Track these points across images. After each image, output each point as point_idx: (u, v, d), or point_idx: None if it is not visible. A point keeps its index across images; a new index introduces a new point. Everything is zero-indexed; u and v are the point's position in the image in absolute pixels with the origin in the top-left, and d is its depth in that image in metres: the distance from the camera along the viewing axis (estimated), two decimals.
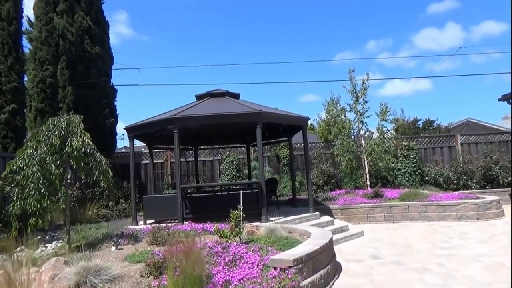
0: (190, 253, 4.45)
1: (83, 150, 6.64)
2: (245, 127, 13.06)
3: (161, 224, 9.66)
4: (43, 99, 15.26)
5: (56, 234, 9.39)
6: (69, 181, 7.44)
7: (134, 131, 10.84)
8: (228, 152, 18.10)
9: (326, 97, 45.85)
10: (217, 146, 18.54)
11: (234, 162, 17.75)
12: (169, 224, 9.18)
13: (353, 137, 16.71)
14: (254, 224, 8.74)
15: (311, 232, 7.45)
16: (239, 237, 6.46)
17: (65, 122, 6.69)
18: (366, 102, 16.13)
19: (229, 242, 6.23)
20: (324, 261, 6.02)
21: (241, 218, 6.49)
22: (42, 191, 6.16)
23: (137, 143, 12.99)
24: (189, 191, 13.06)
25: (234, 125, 13.64)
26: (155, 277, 4.81)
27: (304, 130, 11.62)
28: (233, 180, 16.65)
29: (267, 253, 5.86)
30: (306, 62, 76.31)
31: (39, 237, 8.92)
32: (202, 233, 7.62)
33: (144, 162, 18.06)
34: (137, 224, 10.60)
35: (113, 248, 6.53)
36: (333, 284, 5.98)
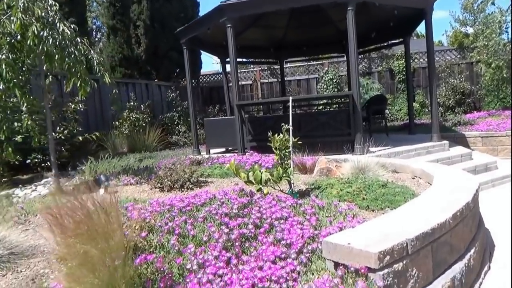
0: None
1: (55, 41, 4.26)
2: (342, 27, 9.40)
3: (218, 154, 7.33)
4: (113, 15, 13.64)
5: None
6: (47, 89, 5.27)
7: (186, 34, 8.24)
8: (326, 68, 14.63)
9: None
10: (314, 62, 15.14)
11: (335, 80, 14.32)
12: (215, 155, 6.74)
13: (505, 36, 11.59)
14: (340, 157, 5.69)
15: (433, 175, 4.14)
16: (289, 182, 3.55)
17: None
18: None
19: (262, 191, 3.38)
20: (461, 242, 2.81)
21: (291, 147, 3.51)
22: None
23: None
24: (252, 111, 10.37)
25: (326, 25, 10.09)
26: None
27: (427, 19, 7.55)
28: (331, 104, 13.35)
29: (331, 222, 2.90)
30: None
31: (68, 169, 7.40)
32: (250, 171, 4.89)
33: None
34: (199, 153, 8.43)
35: (102, 191, 4.27)
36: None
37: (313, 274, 2.25)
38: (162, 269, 2.24)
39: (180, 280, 2.22)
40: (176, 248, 2.49)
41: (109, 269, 1.66)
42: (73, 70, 4.32)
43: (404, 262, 2.18)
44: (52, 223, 1.75)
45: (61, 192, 4.64)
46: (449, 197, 3.12)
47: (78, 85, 4.29)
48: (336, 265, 2.23)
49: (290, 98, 3.90)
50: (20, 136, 6.52)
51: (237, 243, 2.52)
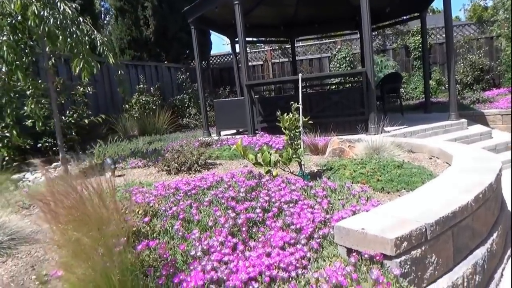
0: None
1: (56, 21, 4.12)
2: (355, 2, 9.02)
3: (228, 136, 7.20)
4: None
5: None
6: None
7: (193, 13, 8.01)
8: (339, 46, 14.23)
9: None
10: (326, 40, 14.73)
11: (348, 58, 13.97)
12: (225, 137, 6.60)
13: None
14: (353, 137, 5.51)
15: (452, 155, 3.93)
16: (299, 164, 3.40)
17: None
18: None
19: (271, 173, 3.24)
20: (483, 225, 2.64)
21: (301, 126, 3.34)
22: None
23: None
24: (263, 92, 10.13)
25: (338, 0, 9.71)
26: None
27: None
28: (344, 84, 13.00)
29: (344, 206, 2.75)
30: None
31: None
32: (258, 152, 4.75)
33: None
34: (209, 135, 8.33)
35: (109, 174, 4.19)
36: (500, 279, 2.63)
37: (324, 261, 2.12)
38: (164, 256, 2.14)
39: (184, 267, 2.12)
40: (180, 233, 2.38)
41: (102, 258, 1.55)
42: (76, 50, 4.18)
43: (423, 248, 2.03)
44: (44, 209, 1.64)
45: (68, 176, 4.59)
46: (470, 177, 2.92)
47: (81, 66, 4.15)
48: (349, 251, 2.09)
49: (300, 75, 3.71)
50: (30, 120, 6.48)
51: (244, 228, 2.39)
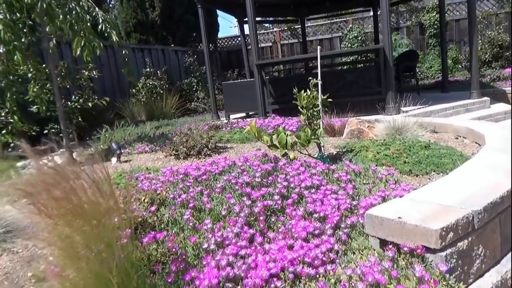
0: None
1: None
2: None
3: (238, 119, 6.93)
4: None
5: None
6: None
7: None
8: (351, 25, 13.74)
9: None
10: (337, 20, 14.24)
11: (359, 38, 13.47)
12: (234, 120, 6.34)
13: None
14: (369, 118, 5.21)
15: (482, 134, 3.63)
16: (319, 145, 3.12)
17: None
18: None
19: (288, 156, 2.98)
20: None
21: (320, 105, 3.05)
22: None
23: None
24: (273, 72, 9.78)
25: None
26: None
27: None
28: (357, 63, 12.53)
29: (370, 191, 2.48)
30: None
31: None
32: (273, 134, 4.50)
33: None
34: (218, 119, 8.07)
35: (114, 160, 3.96)
36: None
37: (354, 253, 1.86)
38: (174, 249, 1.90)
39: (196, 262, 1.88)
40: (191, 224, 2.14)
41: (99, 257, 1.31)
42: (76, 28, 3.92)
43: (470, 239, 1.76)
44: (32, 200, 1.40)
45: (73, 162, 4.38)
46: (509, 158, 2.63)
47: (82, 45, 3.88)
48: (383, 243, 1.83)
49: (318, 48, 3.40)
50: (35, 106, 6.28)
51: (261, 217, 2.14)
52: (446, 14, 12.26)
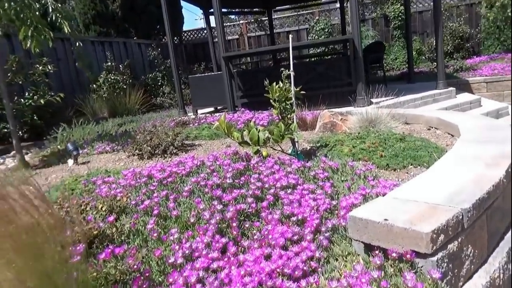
0: None
1: None
2: None
3: (206, 114, 6.67)
4: None
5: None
6: None
7: None
8: (317, 17, 13.69)
9: None
10: (304, 12, 14.18)
11: (326, 30, 13.45)
12: (202, 115, 6.10)
13: None
14: (340, 110, 5.11)
15: (455, 124, 3.58)
16: (293, 141, 2.94)
17: None
18: None
19: (261, 154, 2.79)
20: (509, 203, 2.27)
21: (293, 97, 2.87)
22: None
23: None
24: (241, 64, 9.58)
25: None
26: None
27: None
28: (325, 55, 12.47)
29: (350, 188, 2.33)
30: None
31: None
32: (244, 129, 4.29)
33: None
34: (185, 114, 7.76)
35: (71, 162, 3.63)
36: None
37: (337, 260, 1.70)
38: (135, 266, 1.67)
39: (161, 278, 1.66)
40: (155, 234, 1.91)
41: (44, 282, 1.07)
42: (23, 16, 3.53)
43: (459, 239, 1.63)
44: None
45: (25, 165, 4.01)
46: (489, 148, 2.55)
47: (29, 35, 3.51)
48: (368, 248, 1.67)
49: (291, 36, 3.21)
50: None
51: (234, 224, 1.94)
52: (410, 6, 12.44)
